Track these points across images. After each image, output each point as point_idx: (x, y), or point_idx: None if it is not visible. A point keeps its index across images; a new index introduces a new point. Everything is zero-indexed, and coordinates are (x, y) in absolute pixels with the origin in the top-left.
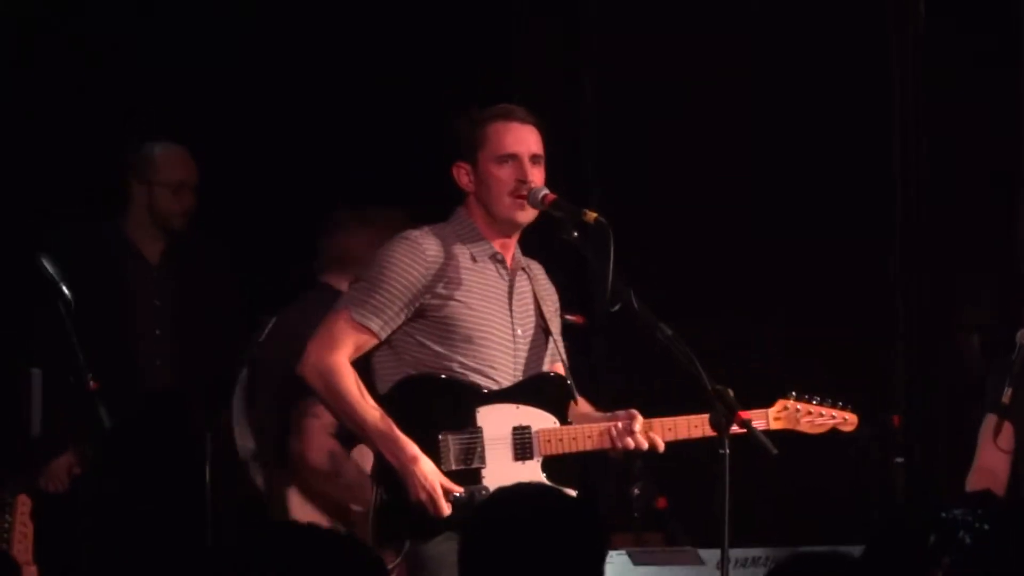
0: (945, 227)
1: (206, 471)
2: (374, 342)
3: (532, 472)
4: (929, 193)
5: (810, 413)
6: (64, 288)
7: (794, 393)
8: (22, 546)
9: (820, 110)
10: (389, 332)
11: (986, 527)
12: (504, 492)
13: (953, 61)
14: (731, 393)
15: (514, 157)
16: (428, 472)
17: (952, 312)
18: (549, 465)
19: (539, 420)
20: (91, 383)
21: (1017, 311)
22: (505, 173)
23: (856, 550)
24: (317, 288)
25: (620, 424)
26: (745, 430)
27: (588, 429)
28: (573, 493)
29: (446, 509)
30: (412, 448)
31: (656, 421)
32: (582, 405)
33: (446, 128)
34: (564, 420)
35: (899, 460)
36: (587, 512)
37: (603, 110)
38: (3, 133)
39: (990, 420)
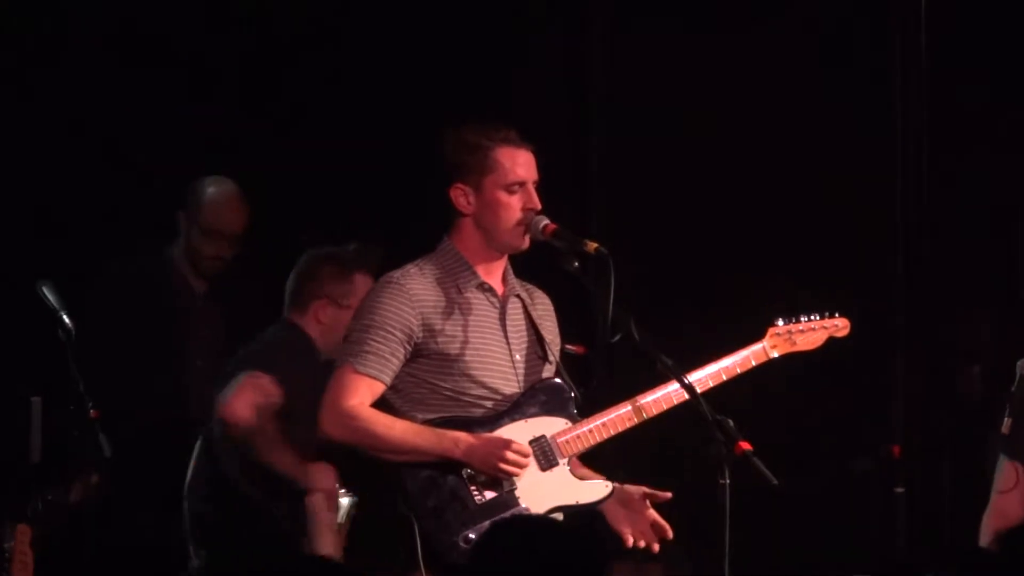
0: (946, 256)
1: None
2: (382, 388)
3: (562, 477)
4: (932, 225)
5: (801, 331)
6: (65, 317)
7: (780, 320)
8: (22, 575)
9: (825, 137)
10: (393, 375)
11: None
12: (500, 529)
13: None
14: (731, 423)
15: (522, 184)
16: (484, 442)
17: (952, 342)
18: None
19: (551, 426)
20: (92, 412)
21: (1018, 341)
22: (515, 201)
23: None
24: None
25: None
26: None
27: (606, 415)
28: (609, 485)
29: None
30: (459, 435)
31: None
32: None
33: (438, 146)
34: (574, 419)
35: (899, 490)
36: (585, 545)
37: (608, 140)
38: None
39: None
